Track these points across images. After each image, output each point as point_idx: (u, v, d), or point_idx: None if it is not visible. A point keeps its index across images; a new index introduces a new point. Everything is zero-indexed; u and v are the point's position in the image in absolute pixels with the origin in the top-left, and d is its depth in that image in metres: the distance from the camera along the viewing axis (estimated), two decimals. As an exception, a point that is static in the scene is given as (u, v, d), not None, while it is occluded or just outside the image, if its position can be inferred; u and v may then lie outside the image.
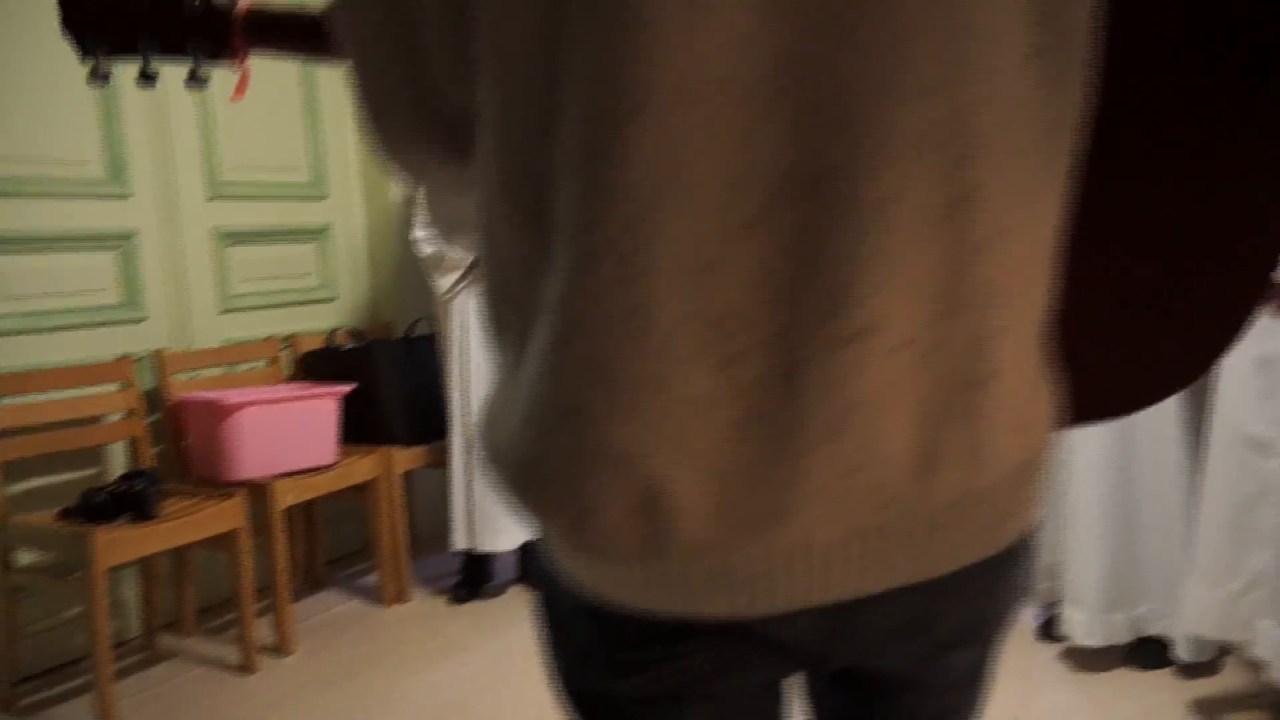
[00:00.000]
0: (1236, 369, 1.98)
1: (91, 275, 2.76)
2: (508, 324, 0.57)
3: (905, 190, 0.48)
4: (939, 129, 0.48)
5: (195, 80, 0.95)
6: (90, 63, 0.92)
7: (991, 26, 0.49)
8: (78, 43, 0.92)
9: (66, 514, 2.44)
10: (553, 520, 0.53)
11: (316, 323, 3.39)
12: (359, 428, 3.02)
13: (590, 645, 0.61)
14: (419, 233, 2.89)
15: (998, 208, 0.51)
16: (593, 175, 0.48)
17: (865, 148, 0.48)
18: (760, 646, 0.60)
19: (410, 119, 0.61)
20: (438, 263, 2.89)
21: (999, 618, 0.66)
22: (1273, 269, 0.61)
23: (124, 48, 0.92)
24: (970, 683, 0.70)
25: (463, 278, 2.90)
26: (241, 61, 0.95)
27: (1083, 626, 2.33)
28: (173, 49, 0.92)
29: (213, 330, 3.08)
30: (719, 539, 0.51)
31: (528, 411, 0.53)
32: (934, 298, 0.50)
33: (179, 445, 2.84)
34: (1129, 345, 0.63)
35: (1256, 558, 2.00)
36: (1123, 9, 0.56)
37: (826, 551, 0.53)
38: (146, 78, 0.94)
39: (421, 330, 3.24)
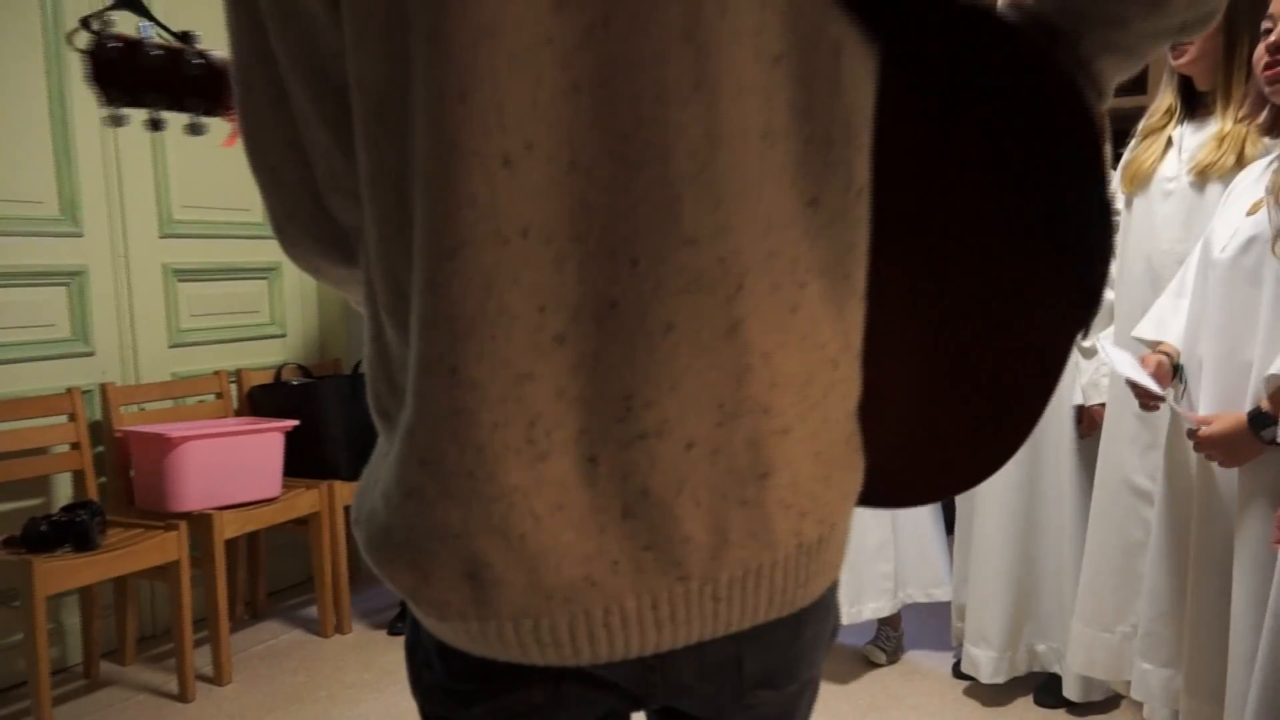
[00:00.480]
0: (1121, 423, 2.13)
1: (43, 310, 2.83)
2: (385, 407, 0.69)
3: (680, 320, 0.59)
4: (709, 271, 0.59)
5: (193, 129, 1.15)
6: (109, 110, 1.10)
7: (759, 183, 0.60)
8: (101, 93, 1.09)
9: (9, 542, 2.50)
10: (398, 583, 0.64)
11: (265, 358, 3.47)
12: (303, 462, 3.10)
13: (443, 679, 0.72)
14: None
15: (767, 331, 0.61)
16: (427, 298, 0.59)
17: (648, 285, 0.59)
18: (591, 684, 0.71)
19: (307, 233, 0.74)
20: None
21: (804, 662, 0.77)
22: (1051, 391, 0.72)
23: (137, 100, 1.10)
24: (785, 717, 0.81)
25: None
26: (232, 115, 1.10)
27: (987, 666, 2.46)
28: (177, 103, 1.11)
29: (161, 364, 3.15)
30: (535, 606, 0.62)
31: (384, 488, 0.64)
32: (716, 406, 0.61)
33: (124, 477, 2.91)
34: (926, 444, 0.75)
35: (1137, 604, 2.14)
36: (894, 164, 0.67)
37: (634, 614, 0.65)
38: (154, 124, 1.13)
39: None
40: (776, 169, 0.61)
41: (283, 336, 3.57)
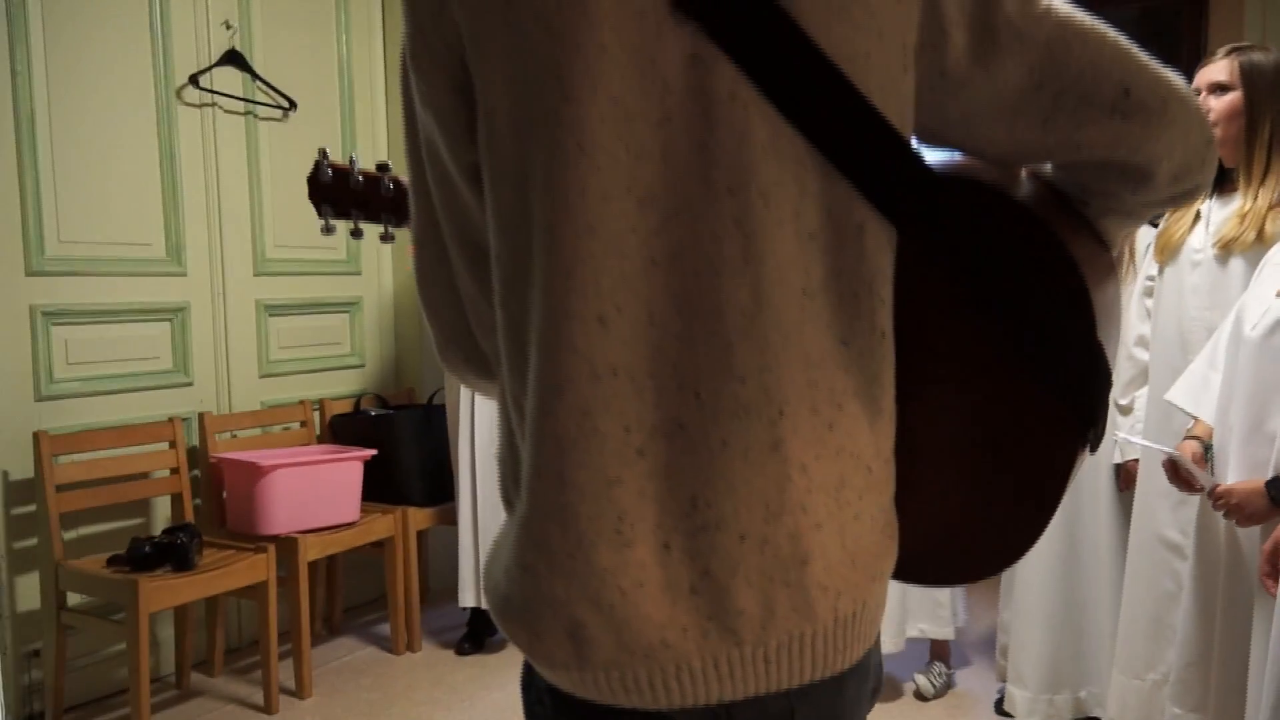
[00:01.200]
0: (1153, 479, 2.22)
1: (147, 344, 3.08)
2: (510, 497, 0.85)
3: (733, 439, 0.75)
4: (755, 401, 0.75)
5: (385, 238, 1.41)
6: (322, 221, 1.39)
7: (800, 329, 0.75)
8: (316, 208, 1.38)
9: (115, 561, 2.73)
10: (516, 640, 0.81)
11: (345, 387, 3.70)
12: (379, 488, 3.30)
13: (552, 715, 0.88)
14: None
15: (805, 445, 0.76)
16: (540, 422, 0.76)
17: (708, 411, 0.75)
18: None
19: (460, 355, 0.93)
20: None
21: (847, 716, 0.91)
22: (1062, 491, 0.84)
23: (344, 214, 1.38)
24: None
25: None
26: None
27: (1024, 705, 2.55)
28: (374, 217, 1.38)
29: (252, 393, 3.38)
30: (621, 661, 0.78)
31: (505, 564, 0.81)
32: (763, 506, 0.76)
33: (218, 499, 3.13)
34: (959, 531, 0.88)
35: (1169, 652, 2.23)
36: (918, 310, 0.80)
37: (699, 671, 0.80)
38: (355, 233, 1.41)
39: (441, 399, 3.54)
40: (814, 317, 0.76)
41: (361, 367, 3.79)
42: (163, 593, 2.59)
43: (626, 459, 0.76)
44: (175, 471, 3.02)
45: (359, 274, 3.76)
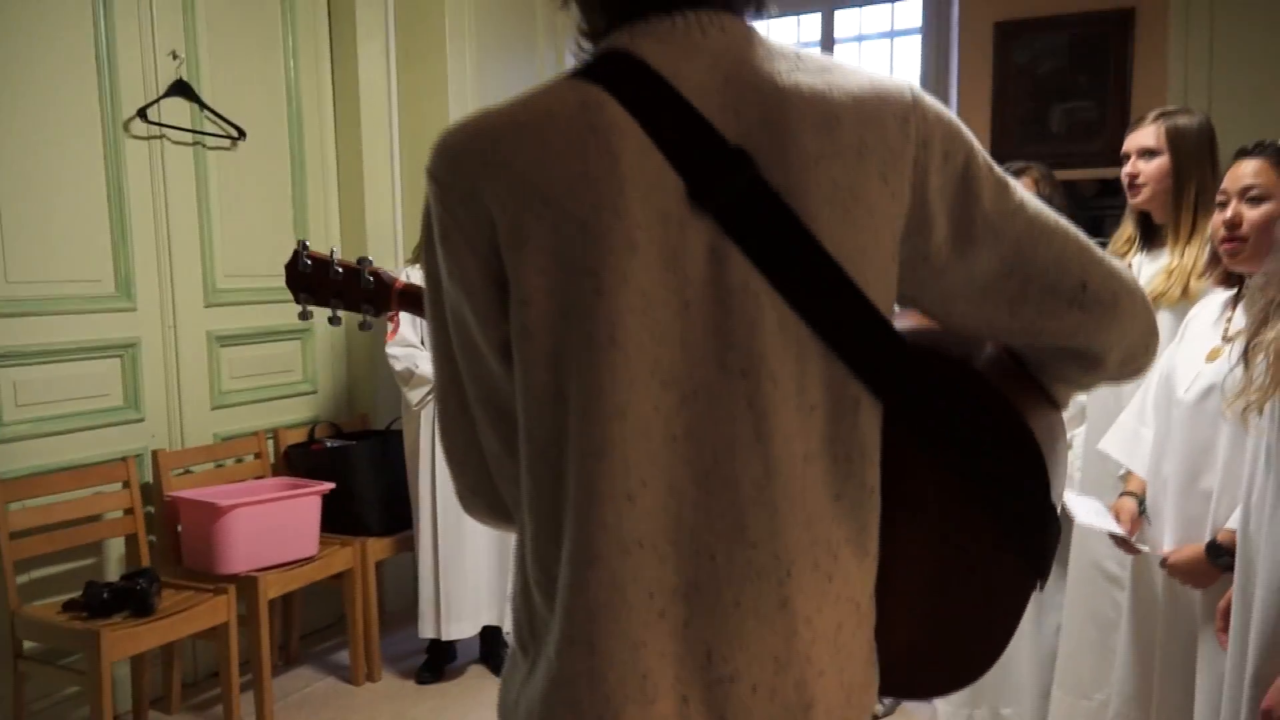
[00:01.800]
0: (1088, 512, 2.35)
1: (97, 381, 3.04)
2: (524, 643, 0.90)
3: (745, 599, 0.81)
4: (766, 564, 0.81)
5: (363, 325, 1.44)
6: (300, 307, 1.42)
7: (802, 493, 0.82)
8: (293, 294, 1.41)
9: (71, 606, 2.70)
10: None
11: (298, 414, 3.69)
12: (337, 519, 3.31)
13: None
14: (391, 350, 3.21)
15: (809, 599, 0.83)
16: (572, 593, 0.81)
17: (722, 574, 0.81)
18: None
19: (483, 502, 0.97)
20: (408, 377, 3.21)
21: None
22: (1017, 620, 0.93)
23: (323, 302, 1.41)
24: None
25: (431, 390, 3.22)
26: (395, 316, 1.42)
27: (946, 718, 2.69)
28: (353, 306, 1.40)
29: (204, 425, 3.35)
30: None
31: (534, 712, 0.86)
32: (772, 659, 0.83)
33: (173, 534, 3.11)
34: (928, 652, 0.96)
35: (1114, 677, 2.36)
36: (898, 468, 0.88)
37: None
38: (333, 320, 1.44)
39: (398, 426, 3.55)
40: (813, 480, 0.83)
41: (314, 393, 3.78)
42: (125, 642, 2.58)
43: (649, 623, 0.82)
44: (129, 512, 3.00)
45: (310, 300, 3.74)
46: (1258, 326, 1.59)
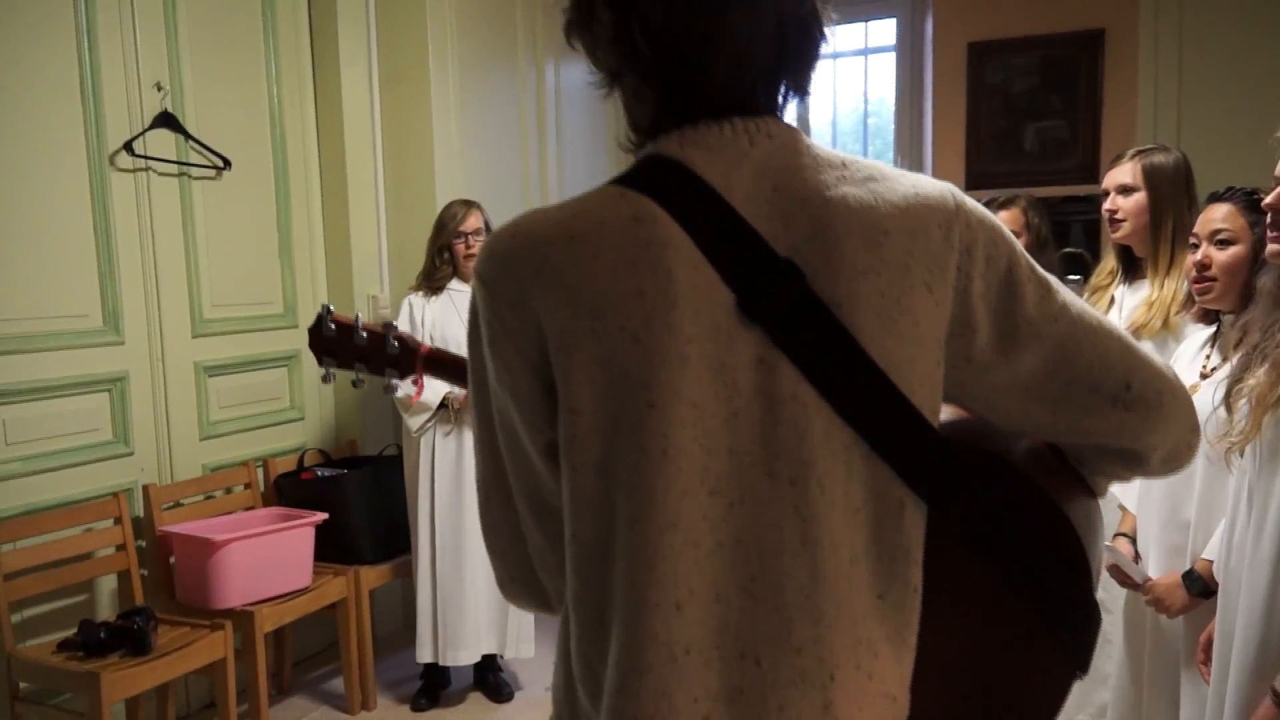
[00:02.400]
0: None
1: (87, 417, 3.02)
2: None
3: (789, 703, 0.83)
4: (811, 669, 0.83)
5: (388, 389, 1.46)
6: (323, 370, 1.44)
7: (849, 595, 0.84)
8: (317, 358, 1.43)
9: (66, 645, 2.69)
10: None
11: (287, 442, 3.68)
12: (329, 548, 3.30)
13: None
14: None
15: (850, 700, 0.84)
16: (620, 699, 0.82)
17: (767, 679, 0.83)
18: None
19: (522, 589, 0.99)
20: (407, 405, 3.22)
21: None
22: (1059, 708, 0.95)
23: (347, 366, 1.43)
24: None
25: (431, 418, 3.23)
26: (419, 380, 1.46)
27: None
28: (377, 371, 1.43)
29: (194, 456, 3.34)
30: None
31: None
32: None
33: (165, 567, 3.10)
34: None
35: (1098, 694, 2.44)
36: (942, 568, 0.90)
37: None
38: (356, 383, 1.47)
39: (390, 452, 3.56)
40: (859, 582, 0.85)
41: (302, 420, 3.77)
42: (124, 682, 2.57)
43: None
44: (121, 548, 2.98)
45: (296, 327, 3.73)
46: (1239, 373, 1.66)
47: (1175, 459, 0.96)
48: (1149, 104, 3.97)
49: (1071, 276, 3.81)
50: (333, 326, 1.45)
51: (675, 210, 0.84)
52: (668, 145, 0.87)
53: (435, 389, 3.29)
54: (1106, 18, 4.23)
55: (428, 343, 3.25)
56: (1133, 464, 0.95)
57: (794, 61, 0.89)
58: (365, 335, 1.44)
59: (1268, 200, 1.58)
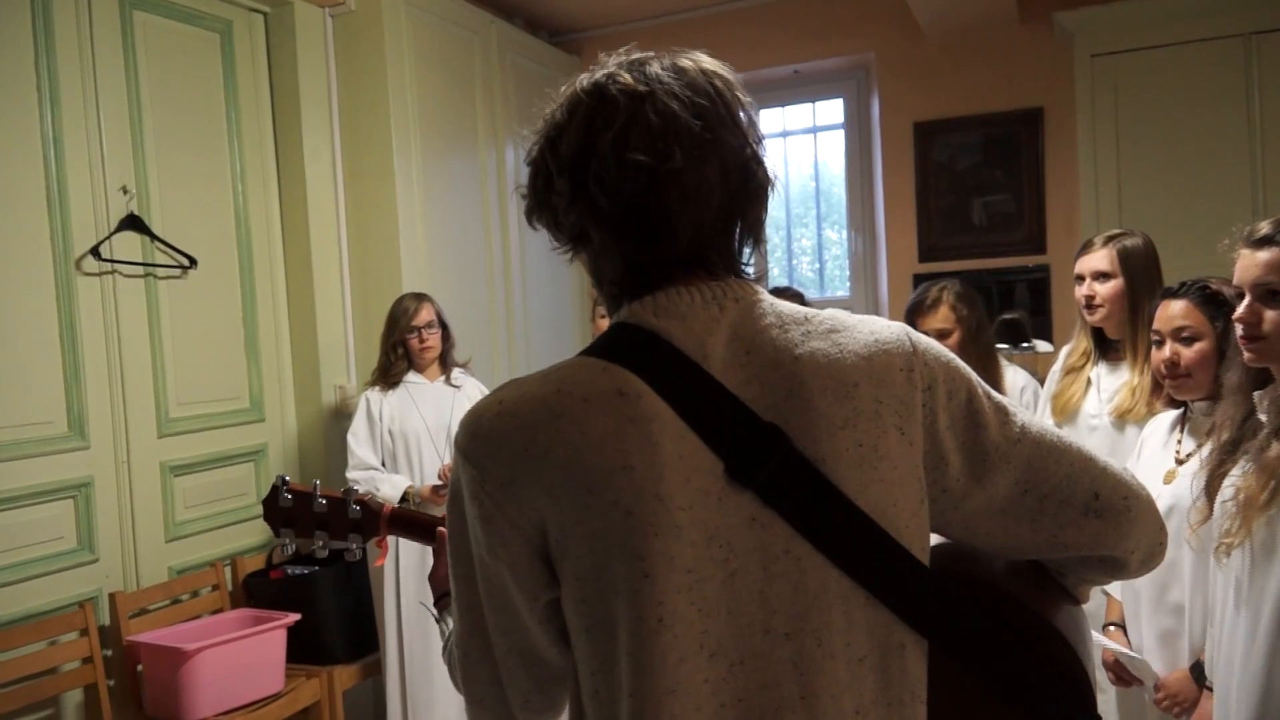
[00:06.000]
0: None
1: (51, 525, 2.95)
2: None
3: None
4: None
5: (348, 554, 1.36)
6: (280, 541, 1.35)
7: (842, 700, 0.87)
8: (274, 530, 1.34)
9: (32, 767, 2.60)
10: None
11: (253, 538, 3.62)
12: (301, 649, 3.24)
13: None
14: (351, 474, 3.21)
15: None
16: None
17: None
18: None
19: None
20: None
21: None
22: None
23: (306, 535, 1.34)
24: None
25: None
26: (383, 542, 1.38)
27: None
28: (339, 537, 1.35)
29: (160, 559, 3.27)
30: None
31: None
32: None
33: (132, 676, 3.02)
34: None
35: None
36: (946, 699, 0.93)
37: None
38: (319, 552, 1.36)
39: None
40: (857, 686, 0.88)
41: (269, 515, 3.71)
42: (95, 805, 2.49)
43: None
44: (88, 660, 2.90)
45: (263, 420, 3.70)
46: (1216, 464, 1.72)
47: (1151, 559, 1.01)
48: (1089, 179, 4.13)
49: (1015, 345, 3.93)
50: (289, 496, 1.37)
51: (657, 384, 0.86)
52: (642, 314, 0.91)
53: (395, 484, 3.28)
54: (1044, 97, 4.41)
55: (387, 440, 3.31)
56: (1114, 569, 1.00)
57: (743, 203, 0.94)
58: (324, 502, 1.37)
59: (1238, 314, 1.63)
